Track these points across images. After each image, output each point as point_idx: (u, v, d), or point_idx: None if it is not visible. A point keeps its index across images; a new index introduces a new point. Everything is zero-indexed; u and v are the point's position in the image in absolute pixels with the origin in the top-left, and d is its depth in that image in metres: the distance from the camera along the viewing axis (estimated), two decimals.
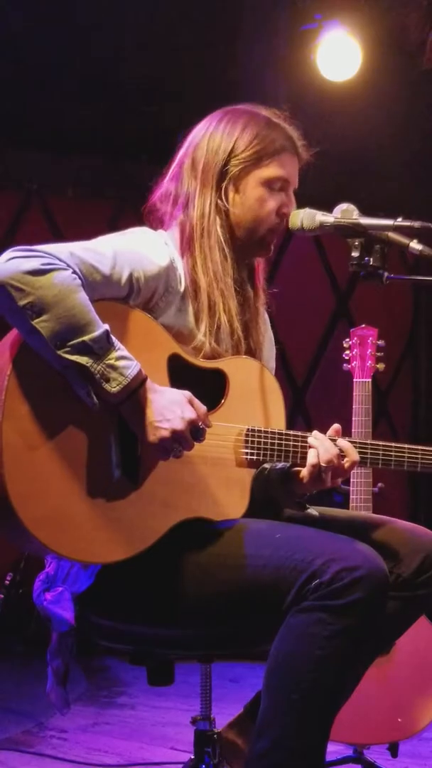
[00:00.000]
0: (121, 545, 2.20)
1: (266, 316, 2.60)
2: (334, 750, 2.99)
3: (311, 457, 2.33)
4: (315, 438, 2.35)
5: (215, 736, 2.55)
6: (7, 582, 5.29)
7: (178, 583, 2.26)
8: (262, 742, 2.21)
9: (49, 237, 5.56)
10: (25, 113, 5.51)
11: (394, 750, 3.38)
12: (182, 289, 2.38)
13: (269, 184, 2.44)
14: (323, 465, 2.31)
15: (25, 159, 5.85)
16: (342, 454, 2.34)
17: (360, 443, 2.39)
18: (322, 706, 2.21)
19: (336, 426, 2.39)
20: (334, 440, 2.35)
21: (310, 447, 2.34)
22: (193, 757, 2.56)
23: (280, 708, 2.19)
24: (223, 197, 2.42)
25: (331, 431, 2.39)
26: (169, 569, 2.26)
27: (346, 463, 2.34)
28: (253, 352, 2.50)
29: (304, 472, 2.33)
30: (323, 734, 2.23)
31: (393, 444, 2.41)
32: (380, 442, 2.42)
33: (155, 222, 2.50)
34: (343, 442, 2.35)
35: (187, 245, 2.42)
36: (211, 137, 2.45)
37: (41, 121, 5.52)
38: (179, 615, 2.29)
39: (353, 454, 2.34)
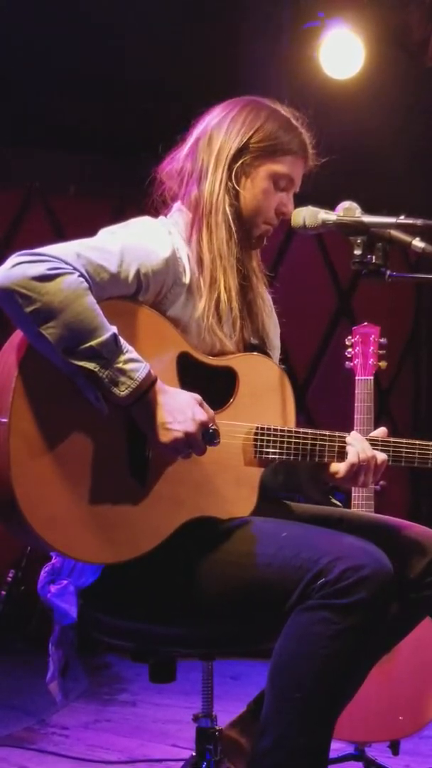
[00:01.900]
0: (128, 546, 2.20)
1: (269, 298, 2.59)
2: (335, 747, 2.97)
3: (351, 456, 2.35)
4: (353, 438, 2.37)
5: (216, 733, 2.56)
6: (8, 579, 5.29)
7: (183, 580, 2.26)
8: (265, 741, 2.20)
9: (50, 235, 5.57)
10: (28, 112, 5.51)
11: (395, 748, 3.38)
12: (187, 281, 2.36)
13: (276, 180, 2.45)
14: (361, 464, 2.34)
15: (26, 157, 5.85)
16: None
17: (394, 443, 2.41)
18: (324, 706, 2.20)
19: (382, 429, 2.44)
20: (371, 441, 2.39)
21: (348, 445, 2.36)
22: (194, 754, 2.57)
23: (283, 707, 2.19)
24: (233, 179, 2.43)
25: (378, 433, 2.43)
26: (175, 567, 2.26)
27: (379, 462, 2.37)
28: (259, 332, 2.51)
29: (341, 467, 2.36)
30: (326, 733, 2.22)
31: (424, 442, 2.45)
32: (416, 441, 2.45)
33: (160, 199, 2.50)
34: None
35: (198, 221, 2.41)
36: (233, 120, 2.45)
37: (43, 119, 5.52)
38: (183, 612, 2.29)
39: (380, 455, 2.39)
